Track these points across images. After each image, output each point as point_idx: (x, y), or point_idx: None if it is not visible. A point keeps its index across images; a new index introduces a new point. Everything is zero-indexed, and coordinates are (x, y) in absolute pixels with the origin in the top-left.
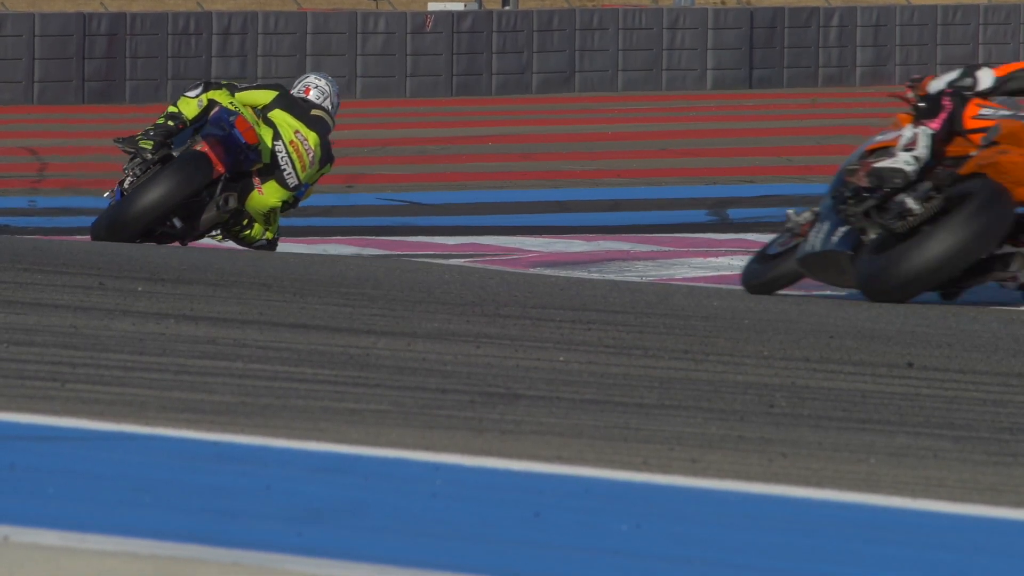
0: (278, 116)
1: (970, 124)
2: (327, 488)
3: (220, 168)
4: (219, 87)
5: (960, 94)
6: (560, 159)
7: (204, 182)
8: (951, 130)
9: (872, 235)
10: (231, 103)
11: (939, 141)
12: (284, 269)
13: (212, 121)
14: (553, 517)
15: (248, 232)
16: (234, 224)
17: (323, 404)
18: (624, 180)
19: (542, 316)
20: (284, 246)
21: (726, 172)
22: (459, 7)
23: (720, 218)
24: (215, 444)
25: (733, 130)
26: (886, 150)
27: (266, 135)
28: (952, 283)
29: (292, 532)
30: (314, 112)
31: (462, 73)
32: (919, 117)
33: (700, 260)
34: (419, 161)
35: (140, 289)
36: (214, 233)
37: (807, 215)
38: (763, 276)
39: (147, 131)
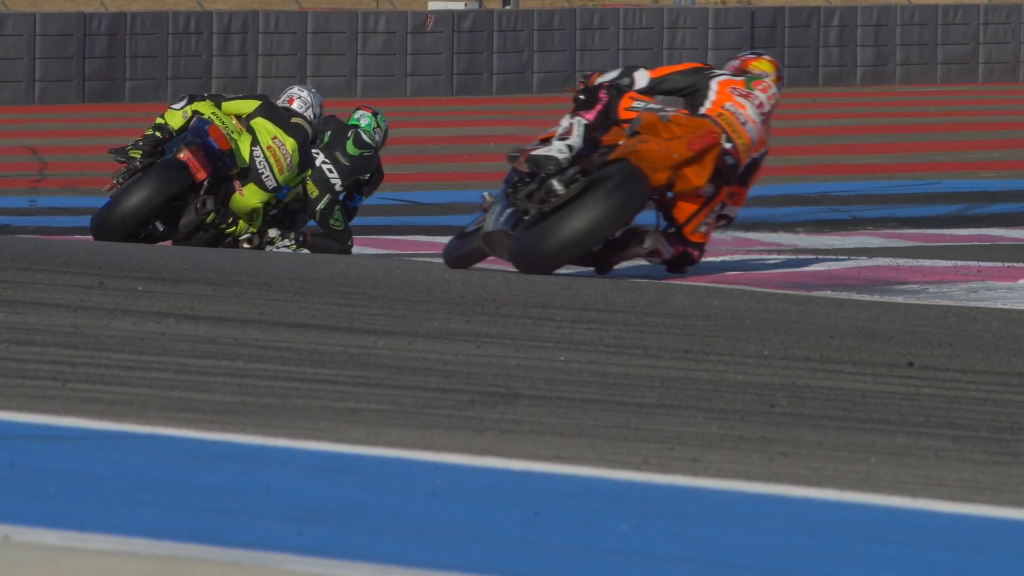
0: (258, 123)
1: (623, 115)
2: (327, 488)
3: (202, 174)
4: (203, 99)
5: (617, 87)
6: None
7: (181, 187)
8: (607, 120)
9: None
10: (213, 113)
11: (594, 130)
12: (284, 269)
13: (191, 130)
14: (553, 517)
15: (233, 229)
16: (220, 222)
17: (323, 403)
18: None
19: (542, 315)
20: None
21: None
22: (459, 6)
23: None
24: (215, 444)
25: None
26: (549, 140)
27: (245, 141)
28: (596, 257)
29: (292, 532)
30: (294, 120)
31: (462, 72)
32: (577, 108)
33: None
34: (419, 161)
35: (140, 288)
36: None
37: (491, 198)
38: (456, 252)
39: (136, 142)
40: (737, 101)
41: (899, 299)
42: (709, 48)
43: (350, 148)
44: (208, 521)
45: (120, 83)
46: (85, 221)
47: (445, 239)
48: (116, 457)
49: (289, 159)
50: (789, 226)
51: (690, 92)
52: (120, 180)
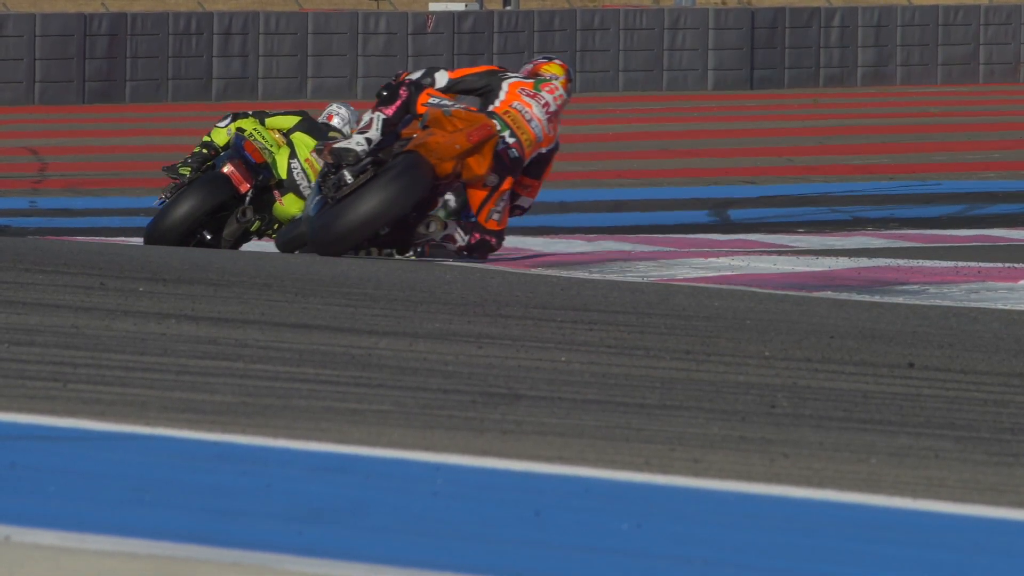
0: (297, 138)
1: (420, 110)
2: (328, 488)
3: (245, 186)
4: (246, 116)
5: (417, 84)
6: (561, 159)
7: (223, 198)
8: (407, 115)
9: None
10: (255, 129)
11: (393, 124)
12: (285, 269)
13: (231, 146)
14: (554, 517)
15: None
16: (267, 229)
17: (325, 404)
18: (625, 180)
19: (544, 316)
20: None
21: (727, 172)
22: (460, 7)
23: (721, 219)
24: (216, 444)
25: (734, 130)
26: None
27: (283, 154)
28: (390, 240)
29: (293, 532)
30: (332, 134)
31: None
32: (379, 104)
33: (701, 260)
34: None
35: (141, 289)
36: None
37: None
38: (285, 236)
39: (186, 159)
40: (524, 101)
41: (900, 300)
42: (710, 49)
43: None
44: (208, 521)
45: (120, 84)
46: (86, 222)
47: None
48: (116, 457)
49: None
50: (790, 227)
51: (484, 92)
52: (168, 195)
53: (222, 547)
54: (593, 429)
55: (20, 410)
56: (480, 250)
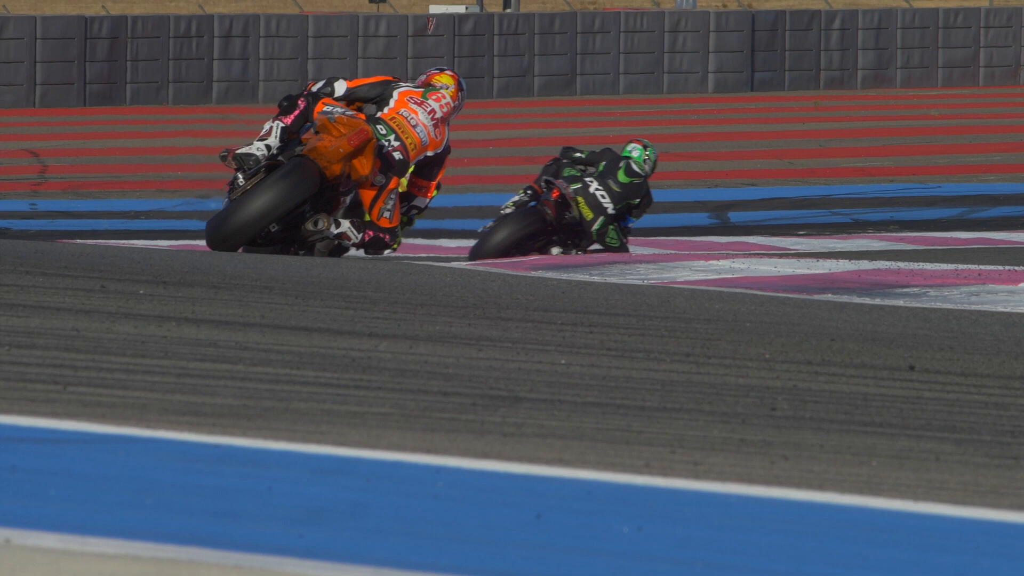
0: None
1: (317, 118)
2: (329, 490)
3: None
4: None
5: (314, 94)
6: None
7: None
8: (304, 123)
9: None
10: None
11: (292, 132)
12: (286, 272)
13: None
14: (555, 519)
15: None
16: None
17: (325, 407)
18: None
19: (544, 319)
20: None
21: (727, 175)
22: (460, 10)
23: (722, 221)
24: (217, 446)
25: (734, 133)
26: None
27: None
28: (277, 237)
29: (294, 534)
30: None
31: (463, 76)
32: (280, 113)
33: (702, 263)
34: None
35: (142, 292)
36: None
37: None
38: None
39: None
40: (411, 108)
41: (900, 302)
42: (710, 51)
43: (621, 176)
44: (209, 523)
45: (121, 86)
46: (86, 224)
47: (445, 242)
48: (117, 460)
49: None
50: (790, 229)
51: (377, 100)
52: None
53: (223, 549)
54: (594, 432)
55: (21, 413)
56: (375, 247)
